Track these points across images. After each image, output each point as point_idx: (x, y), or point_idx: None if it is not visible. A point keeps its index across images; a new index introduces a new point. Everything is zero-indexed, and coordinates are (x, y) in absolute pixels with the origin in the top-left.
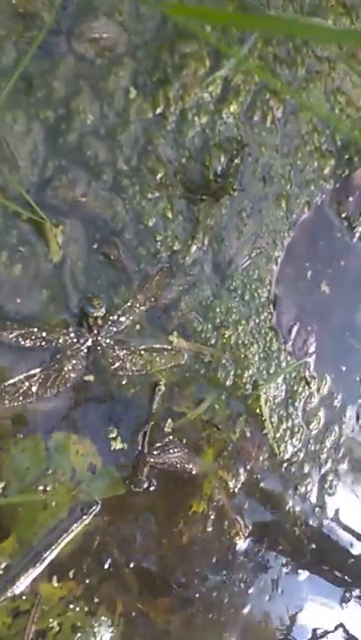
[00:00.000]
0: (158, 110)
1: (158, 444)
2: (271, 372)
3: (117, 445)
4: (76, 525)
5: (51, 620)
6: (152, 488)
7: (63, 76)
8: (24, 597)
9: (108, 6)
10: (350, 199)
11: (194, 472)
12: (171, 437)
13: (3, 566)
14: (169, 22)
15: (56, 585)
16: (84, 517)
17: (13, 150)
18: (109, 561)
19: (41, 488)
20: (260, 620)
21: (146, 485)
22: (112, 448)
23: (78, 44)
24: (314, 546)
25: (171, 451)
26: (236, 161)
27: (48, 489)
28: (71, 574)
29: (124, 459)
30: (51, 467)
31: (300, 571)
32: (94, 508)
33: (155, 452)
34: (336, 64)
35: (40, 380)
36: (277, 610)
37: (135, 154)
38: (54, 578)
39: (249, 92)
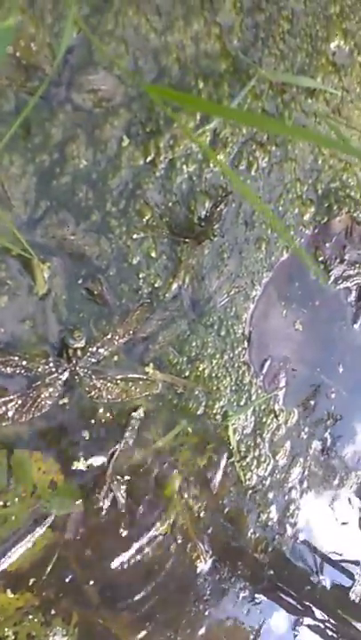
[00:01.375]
0: (149, 158)
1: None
2: (241, 403)
3: (80, 466)
4: (30, 536)
5: (6, 629)
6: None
7: (61, 123)
8: None
9: (108, 60)
10: (327, 245)
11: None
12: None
13: None
14: (164, 77)
15: (12, 596)
16: (38, 529)
17: (8, 190)
18: (69, 575)
19: (1, 504)
20: None
21: (102, 504)
22: (74, 468)
23: (77, 95)
24: (272, 572)
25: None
26: (220, 207)
27: (8, 504)
28: (29, 586)
29: (86, 477)
30: (12, 483)
31: (257, 595)
32: (48, 519)
33: (117, 477)
34: (321, 118)
35: (17, 406)
36: (234, 632)
37: (124, 197)
38: (11, 589)
39: (236, 144)
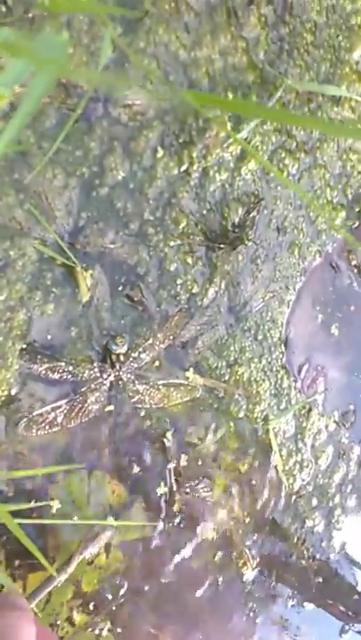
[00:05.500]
0: (183, 168)
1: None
2: (281, 407)
3: (161, 490)
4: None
5: None
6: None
7: (98, 137)
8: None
9: (141, 77)
10: (360, 249)
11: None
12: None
13: None
14: (194, 89)
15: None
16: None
17: (51, 202)
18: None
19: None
20: None
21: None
22: (158, 494)
23: (114, 110)
24: (320, 579)
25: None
26: (252, 213)
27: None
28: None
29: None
30: (91, 502)
31: (305, 603)
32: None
33: (186, 488)
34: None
35: (65, 411)
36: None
37: (160, 206)
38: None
39: (266, 152)
